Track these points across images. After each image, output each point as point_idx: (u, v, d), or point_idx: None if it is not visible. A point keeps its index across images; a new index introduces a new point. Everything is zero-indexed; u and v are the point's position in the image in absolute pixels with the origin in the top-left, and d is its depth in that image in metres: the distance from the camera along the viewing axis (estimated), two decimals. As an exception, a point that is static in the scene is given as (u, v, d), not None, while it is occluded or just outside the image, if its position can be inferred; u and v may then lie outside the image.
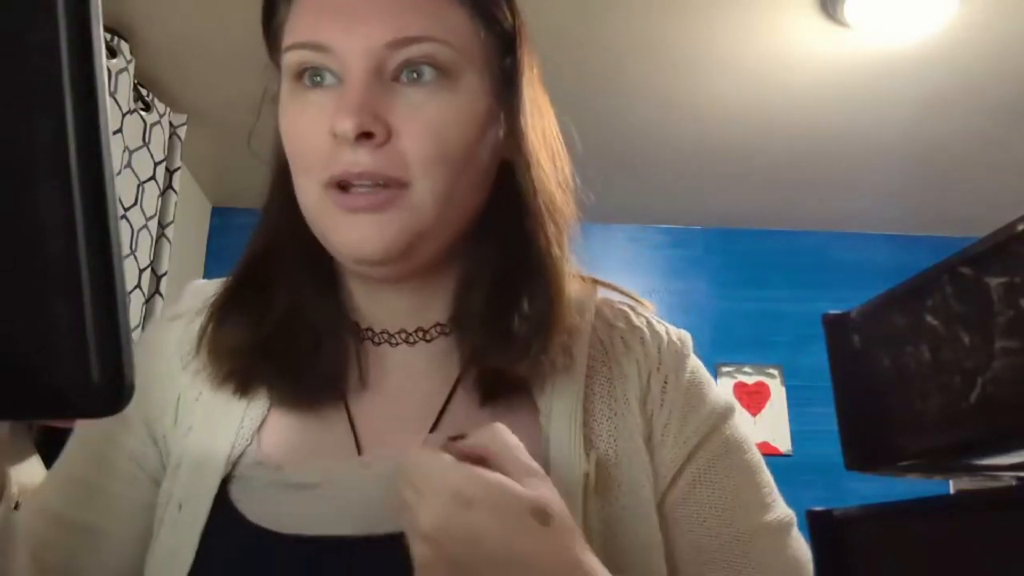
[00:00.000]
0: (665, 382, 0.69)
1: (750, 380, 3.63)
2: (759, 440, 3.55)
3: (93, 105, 0.22)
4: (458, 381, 0.67)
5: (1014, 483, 0.75)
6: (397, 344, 0.70)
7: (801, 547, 0.67)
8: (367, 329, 0.71)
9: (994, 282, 0.59)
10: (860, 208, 3.58)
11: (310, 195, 0.63)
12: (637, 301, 0.75)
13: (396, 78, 0.62)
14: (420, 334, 0.70)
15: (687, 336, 0.74)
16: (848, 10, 2.30)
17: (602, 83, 2.70)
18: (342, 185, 0.61)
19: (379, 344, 0.70)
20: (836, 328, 0.80)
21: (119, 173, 2.45)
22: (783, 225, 3.77)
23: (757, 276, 3.76)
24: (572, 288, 0.70)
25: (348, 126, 0.59)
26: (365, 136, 0.59)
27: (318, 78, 0.63)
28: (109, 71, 2.34)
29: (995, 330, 0.59)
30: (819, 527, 0.80)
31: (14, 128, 0.21)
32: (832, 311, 0.82)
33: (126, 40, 2.40)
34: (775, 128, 2.97)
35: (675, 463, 0.66)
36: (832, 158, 3.17)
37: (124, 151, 2.43)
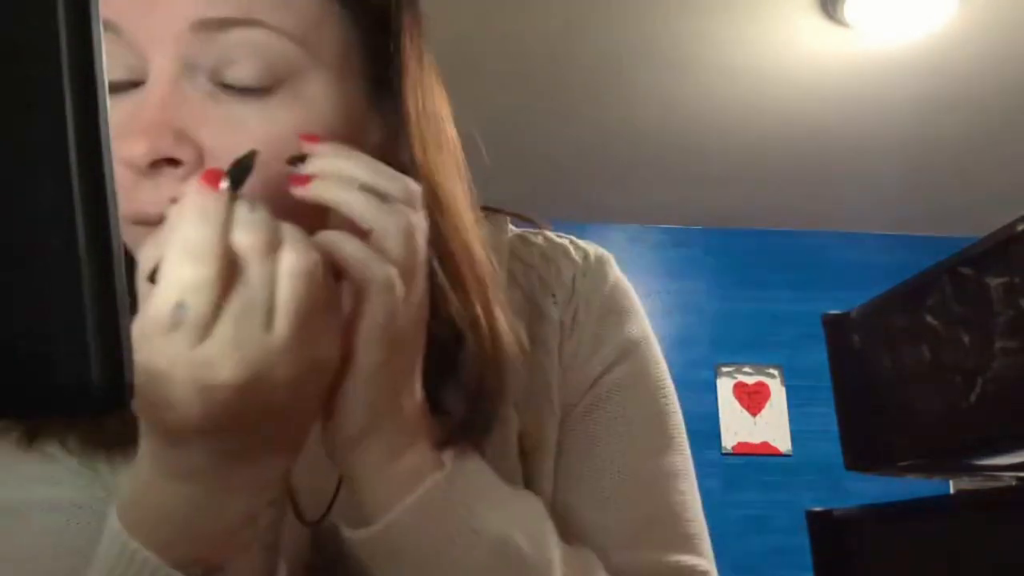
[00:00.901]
0: (577, 310, 0.62)
1: (750, 380, 3.63)
2: (759, 440, 3.56)
3: (93, 105, 0.22)
4: None
5: (1014, 483, 0.76)
6: None
7: (686, 496, 0.60)
8: None
9: (994, 282, 0.59)
10: (860, 208, 3.59)
11: (123, 230, 0.51)
12: (545, 228, 0.67)
13: (215, 80, 0.46)
14: None
15: (606, 257, 0.65)
16: (848, 10, 2.30)
17: (602, 83, 2.70)
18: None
19: None
20: (836, 328, 0.81)
21: (119, 173, 2.44)
22: (783, 225, 3.77)
23: (757, 276, 3.76)
24: (480, 234, 0.57)
25: (138, 152, 0.44)
26: (168, 163, 0.45)
27: (119, 81, 0.47)
28: (109, 71, 2.34)
29: (995, 330, 0.60)
30: (819, 527, 0.80)
31: (14, 128, 0.21)
32: (832, 311, 0.82)
33: (126, 40, 2.40)
34: (775, 128, 2.97)
35: (579, 391, 0.61)
36: (832, 158, 3.17)
37: (124, 151, 2.43)
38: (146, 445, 0.44)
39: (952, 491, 2.73)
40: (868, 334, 0.76)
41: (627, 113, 2.87)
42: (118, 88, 0.47)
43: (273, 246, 0.40)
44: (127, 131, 0.45)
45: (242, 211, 0.40)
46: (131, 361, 0.22)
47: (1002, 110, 2.82)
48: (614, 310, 0.63)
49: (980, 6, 2.30)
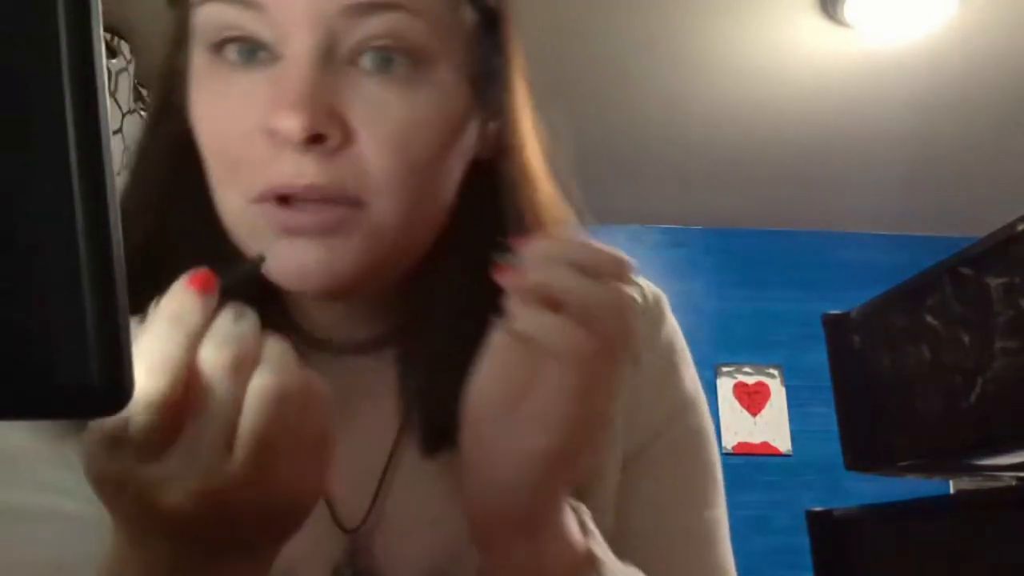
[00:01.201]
0: (640, 351, 0.60)
1: (750, 380, 3.63)
2: (759, 440, 3.55)
3: (93, 105, 0.22)
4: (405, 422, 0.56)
5: (1014, 483, 0.76)
6: (342, 354, 0.57)
7: (727, 553, 0.62)
8: (306, 333, 0.56)
9: (994, 282, 0.59)
10: (860, 208, 3.58)
11: (233, 208, 0.49)
12: None
13: (353, 61, 0.47)
14: (370, 345, 0.57)
15: (662, 296, 0.66)
16: (848, 10, 2.30)
17: (602, 83, 2.70)
18: (280, 197, 0.47)
19: (320, 352, 0.56)
20: (836, 328, 0.81)
21: (119, 173, 2.44)
22: (783, 225, 3.77)
23: (757, 276, 3.76)
24: None
25: (294, 124, 0.44)
26: (314, 139, 0.45)
27: (247, 52, 0.47)
28: (109, 71, 2.35)
29: (995, 330, 0.60)
30: (819, 527, 0.80)
31: (14, 128, 0.21)
32: (832, 311, 0.82)
33: (126, 40, 2.40)
34: (775, 128, 2.97)
35: (643, 437, 0.60)
36: (832, 158, 3.17)
37: (124, 151, 2.43)
38: (114, 529, 0.41)
39: (952, 491, 2.73)
40: (868, 334, 0.76)
41: (627, 113, 2.87)
42: (258, 62, 0.47)
43: (245, 365, 0.37)
44: (274, 103, 0.45)
45: (222, 322, 0.37)
46: (131, 361, 0.22)
47: (1002, 110, 2.81)
48: (675, 356, 0.64)
49: (980, 6, 2.30)
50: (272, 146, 0.45)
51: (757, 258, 3.78)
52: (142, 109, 2.56)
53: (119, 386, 0.22)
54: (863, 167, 3.22)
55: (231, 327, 0.37)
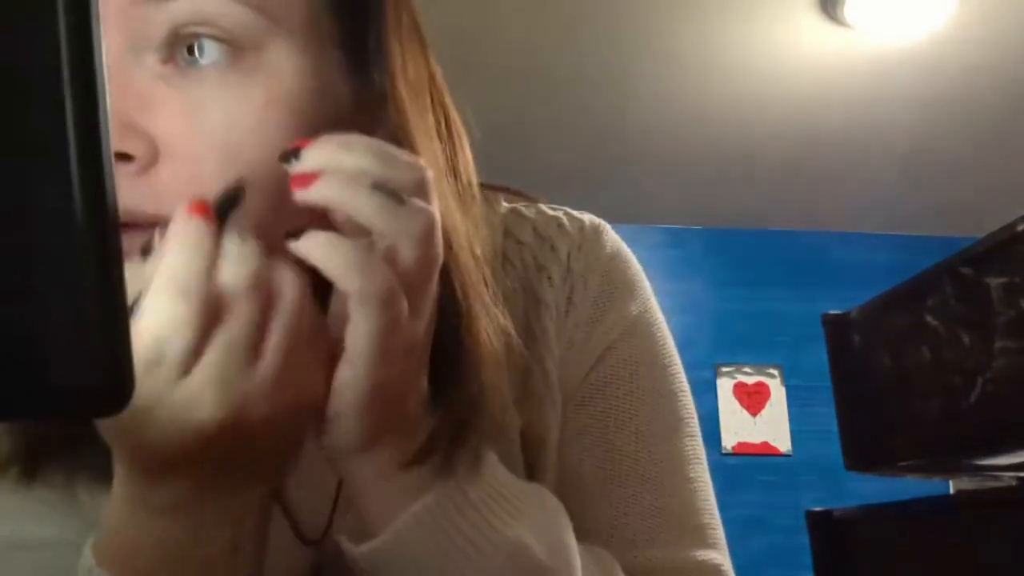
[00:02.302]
0: (573, 290, 0.57)
1: (750, 380, 3.63)
2: (759, 440, 3.56)
3: (93, 105, 0.22)
4: None
5: (1014, 483, 0.76)
6: None
7: (697, 483, 0.57)
8: None
9: (994, 282, 0.59)
10: (860, 208, 3.59)
11: None
12: (539, 201, 0.62)
13: (169, 59, 0.41)
14: None
15: (603, 227, 0.61)
16: (848, 10, 2.30)
17: (602, 82, 2.70)
18: None
19: None
20: (836, 328, 0.81)
21: (119, 173, 2.45)
22: (783, 225, 3.77)
23: (757, 276, 3.76)
24: (474, 213, 0.53)
25: None
26: (119, 158, 0.39)
27: None
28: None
29: (995, 330, 0.60)
30: (819, 527, 0.80)
31: (13, 127, 0.21)
32: (832, 311, 0.82)
33: (126, 40, 2.40)
34: (775, 128, 2.97)
35: (578, 375, 0.57)
36: (832, 158, 3.17)
37: (124, 151, 2.44)
38: (121, 480, 0.41)
39: (952, 491, 2.73)
40: (868, 334, 0.76)
41: (626, 113, 2.87)
42: None
43: (261, 281, 0.38)
44: None
45: (231, 244, 0.37)
46: (131, 361, 0.22)
47: (1002, 109, 2.82)
48: (614, 285, 0.59)
49: (980, 6, 2.30)
50: None
51: (757, 258, 3.78)
52: (142, 109, 2.56)
53: (119, 386, 0.22)
54: (863, 167, 3.22)
55: (241, 247, 0.38)
